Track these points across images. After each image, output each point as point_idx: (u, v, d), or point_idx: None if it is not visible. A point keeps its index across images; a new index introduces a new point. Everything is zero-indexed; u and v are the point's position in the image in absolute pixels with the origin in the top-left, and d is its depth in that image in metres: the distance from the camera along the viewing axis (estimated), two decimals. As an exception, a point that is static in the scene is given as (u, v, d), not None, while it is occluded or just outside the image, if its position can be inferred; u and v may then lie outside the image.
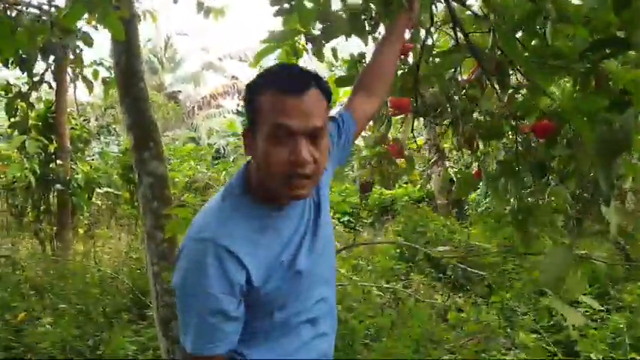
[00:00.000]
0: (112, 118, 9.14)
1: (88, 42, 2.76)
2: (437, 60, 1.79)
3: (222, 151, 13.82)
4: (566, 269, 1.09)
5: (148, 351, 3.54)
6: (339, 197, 8.80)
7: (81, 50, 3.14)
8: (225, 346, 1.03)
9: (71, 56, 7.55)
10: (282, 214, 1.08)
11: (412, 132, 2.09)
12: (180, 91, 16.79)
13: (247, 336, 1.07)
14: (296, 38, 1.88)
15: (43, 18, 2.94)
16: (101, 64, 7.32)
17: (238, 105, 18.47)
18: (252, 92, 1.02)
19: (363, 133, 1.85)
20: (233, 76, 15.67)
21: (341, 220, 8.33)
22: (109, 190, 7.73)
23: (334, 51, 2.01)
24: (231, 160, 10.89)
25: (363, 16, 1.82)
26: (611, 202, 1.07)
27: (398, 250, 6.12)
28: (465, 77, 1.83)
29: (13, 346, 3.51)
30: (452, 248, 4.96)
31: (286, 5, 1.77)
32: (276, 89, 0.98)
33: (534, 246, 1.50)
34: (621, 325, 3.44)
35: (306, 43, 1.86)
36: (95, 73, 7.34)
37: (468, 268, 4.13)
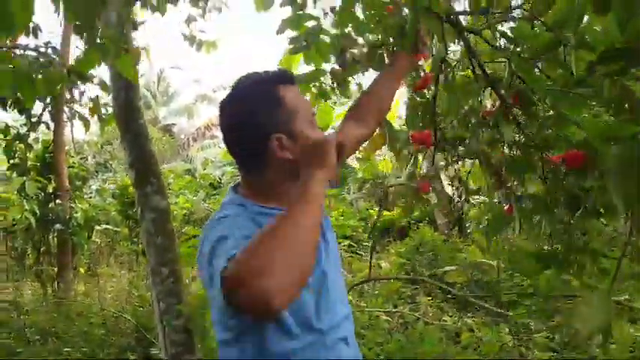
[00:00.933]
0: (109, 154, 9.13)
1: (106, 89, 2.77)
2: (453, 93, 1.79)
3: (219, 182, 13.82)
4: (607, 318, 1.04)
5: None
6: (340, 221, 8.76)
7: (96, 96, 3.17)
8: None
9: (67, 95, 7.62)
10: None
11: (433, 165, 2.07)
12: (174, 124, 16.87)
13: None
14: (322, 78, 1.90)
15: (41, 60, 2.97)
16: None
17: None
18: (268, 98, 1.05)
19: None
20: (227, 107, 15.79)
21: (342, 245, 8.27)
22: (108, 227, 7.68)
23: (360, 86, 2.03)
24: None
25: (380, 50, 1.84)
26: None
27: (403, 273, 6.06)
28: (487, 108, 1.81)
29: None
30: (458, 268, 4.91)
31: (304, 43, 1.79)
32: (285, 84, 1.07)
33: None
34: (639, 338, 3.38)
35: (332, 82, 1.88)
36: (92, 110, 7.39)
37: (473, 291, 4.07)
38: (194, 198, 9.01)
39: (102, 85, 2.90)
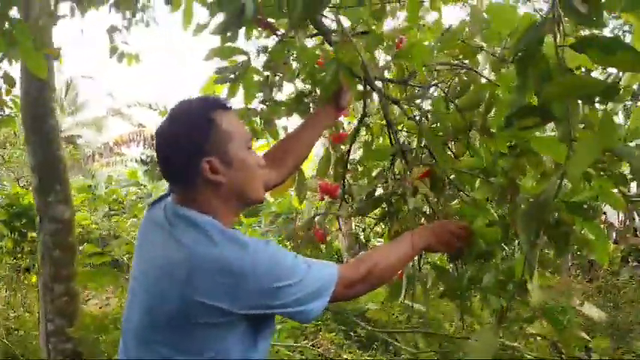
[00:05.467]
0: (2, 159, 8.24)
1: (11, 82, 2.52)
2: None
3: (121, 201, 13.05)
4: (492, 353, 1.12)
5: None
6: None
7: None
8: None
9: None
10: None
11: (338, 219, 2.11)
12: (79, 136, 15.82)
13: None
14: (254, 118, 1.89)
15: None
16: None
17: (143, 154, 17.71)
18: (203, 123, 1.09)
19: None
20: (140, 124, 15.14)
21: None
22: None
23: (285, 129, 2.05)
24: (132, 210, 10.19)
25: (306, 99, 1.87)
26: (534, 277, 1.16)
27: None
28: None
29: None
30: (381, 306, 4.99)
31: (231, 76, 1.76)
32: (222, 110, 1.12)
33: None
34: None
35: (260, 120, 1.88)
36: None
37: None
38: (92, 216, 8.40)
39: (6, 77, 2.65)
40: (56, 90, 3.13)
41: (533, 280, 1.21)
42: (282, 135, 1.98)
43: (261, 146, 2.62)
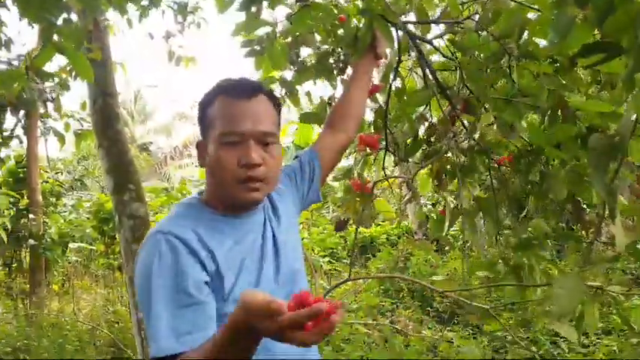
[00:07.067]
0: (85, 170, 8.95)
1: (66, 86, 2.73)
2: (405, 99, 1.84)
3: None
4: (578, 298, 1.09)
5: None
6: (321, 236, 8.75)
7: (55, 96, 3.14)
8: (200, 338, 0.88)
9: (41, 110, 7.49)
10: (239, 221, 1.08)
11: (383, 169, 2.09)
12: (151, 143, 16.72)
13: None
14: (272, 86, 1.90)
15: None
16: (72, 116, 7.27)
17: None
18: (204, 103, 1.09)
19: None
20: (206, 125, 15.72)
21: (322, 261, 8.23)
22: (82, 244, 7.49)
23: (309, 95, 2.06)
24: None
25: (330, 59, 1.86)
26: (616, 216, 1.08)
27: (382, 287, 6.06)
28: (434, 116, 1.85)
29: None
30: (446, 277, 4.93)
31: (257, 47, 1.79)
32: (226, 95, 1.05)
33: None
34: (614, 349, 3.44)
35: (281, 89, 1.90)
36: (67, 126, 7.28)
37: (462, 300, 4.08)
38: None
39: (62, 84, 2.85)
40: (119, 96, 3.34)
41: (617, 222, 1.15)
42: (303, 101, 1.97)
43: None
